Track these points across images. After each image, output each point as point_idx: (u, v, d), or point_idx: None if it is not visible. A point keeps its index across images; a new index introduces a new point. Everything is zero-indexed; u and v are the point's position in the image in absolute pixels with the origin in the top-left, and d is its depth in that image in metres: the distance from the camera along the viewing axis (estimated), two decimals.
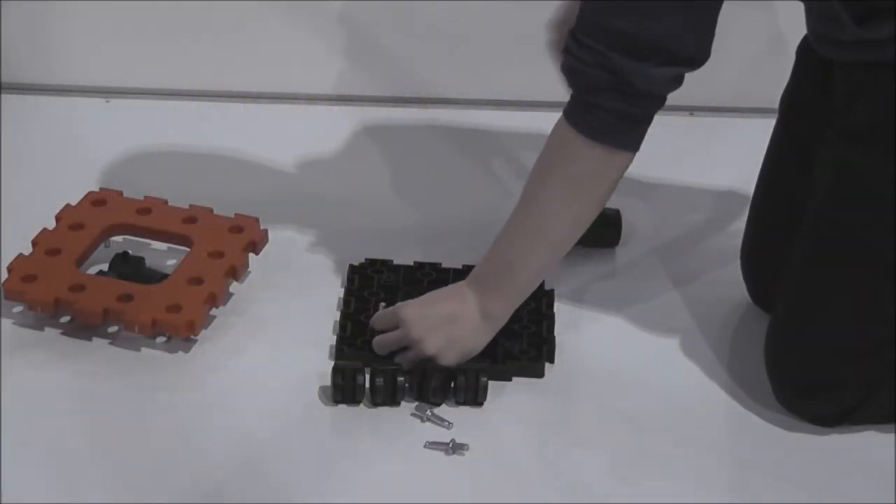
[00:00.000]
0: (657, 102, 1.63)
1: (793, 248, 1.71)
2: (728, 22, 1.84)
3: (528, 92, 2.37)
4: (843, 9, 1.59)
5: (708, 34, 1.60)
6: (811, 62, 1.74)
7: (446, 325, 1.72)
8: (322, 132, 2.29)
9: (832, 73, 1.67)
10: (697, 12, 1.58)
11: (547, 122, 2.32)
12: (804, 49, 1.77)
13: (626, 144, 1.64)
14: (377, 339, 1.76)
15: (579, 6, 1.62)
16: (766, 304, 1.86)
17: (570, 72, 1.63)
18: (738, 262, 1.91)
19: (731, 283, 1.92)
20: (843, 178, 1.64)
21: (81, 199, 1.98)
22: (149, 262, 1.90)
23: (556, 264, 1.75)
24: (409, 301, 1.77)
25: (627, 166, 1.66)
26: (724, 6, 1.58)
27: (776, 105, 1.84)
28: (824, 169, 1.67)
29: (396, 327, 1.75)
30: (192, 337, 1.79)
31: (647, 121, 1.64)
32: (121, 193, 2.00)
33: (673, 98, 2.31)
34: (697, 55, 1.60)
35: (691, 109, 2.32)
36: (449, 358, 1.72)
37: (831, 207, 1.66)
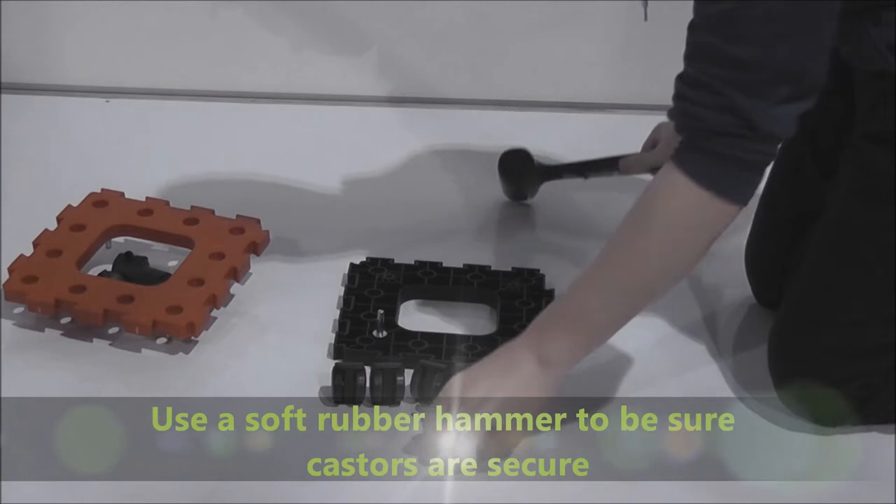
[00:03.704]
0: (775, 148, 1.55)
1: (802, 248, 1.71)
2: None
3: (528, 92, 2.38)
4: (882, 44, 1.59)
5: (826, 56, 1.52)
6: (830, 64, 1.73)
7: (498, 382, 1.61)
8: (322, 132, 2.29)
9: (853, 77, 1.67)
10: (817, 32, 1.49)
11: (547, 122, 2.34)
12: None
13: (738, 195, 1.55)
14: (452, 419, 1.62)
15: (687, 40, 1.53)
16: (771, 303, 1.86)
17: (685, 116, 1.54)
18: (742, 261, 1.91)
19: (735, 281, 1.92)
20: (866, 179, 1.64)
21: (83, 200, 1.98)
22: (151, 263, 1.90)
23: (631, 318, 1.62)
24: (456, 375, 1.65)
25: (733, 219, 1.57)
26: None
27: None
28: (847, 169, 1.66)
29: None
30: (192, 338, 1.79)
31: (762, 170, 1.56)
32: (122, 194, 2.00)
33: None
34: (820, 82, 1.52)
35: None
36: (513, 415, 1.62)
37: (851, 207, 1.66)
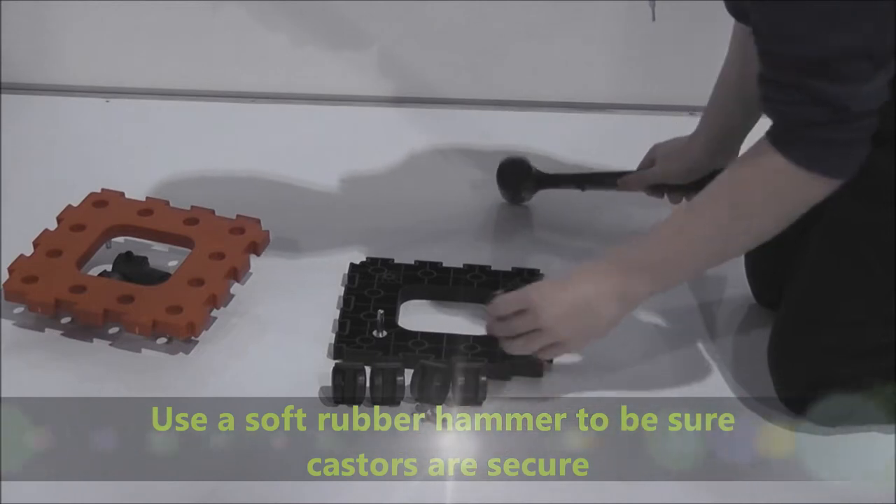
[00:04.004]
0: (873, 120, 1.57)
1: (802, 248, 1.71)
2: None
3: (528, 92, 2.38)
4: None
5: (890, 30, 1.53)
6: None
7: (582, 310, 1.68)
8: (322, 132, 2.29)
9: None
10: (865, 13, 1.51)
11: (547, 122, 2.34)
12: None
13: (846, 171, 1.59)
14: (497, 324, 1.70)
15: (756, 48, 1.57)
16: (771, 303, 1.86)
17: (778, 114, 1.58)
18: (742, 261, 1.91)
19: (735, 281, 1.92)
20: (866, 179, 1.63)
21: (83, 200, 1.98)
22: (151, 263, 1.90)
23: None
24: (539, 283, 1.73)
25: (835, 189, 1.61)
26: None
27: None
28: None
29: (520, 311, 1.69)
30: (192, 338, 1.79)
31: (867, 142, 1.58)
32: (122, 194, 2.00)
33: (672, 98, 2.32)
34: (891, 49, 1.54)
35: (691, 109, 2.32)
36: (580, 345, 1.71)
37: (851, 207, 1.66)
